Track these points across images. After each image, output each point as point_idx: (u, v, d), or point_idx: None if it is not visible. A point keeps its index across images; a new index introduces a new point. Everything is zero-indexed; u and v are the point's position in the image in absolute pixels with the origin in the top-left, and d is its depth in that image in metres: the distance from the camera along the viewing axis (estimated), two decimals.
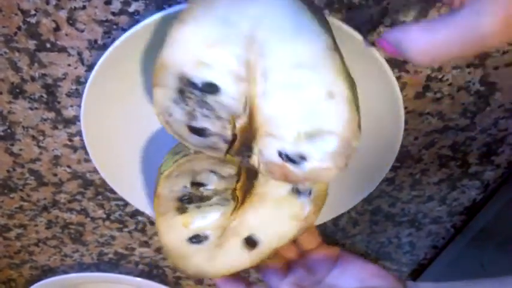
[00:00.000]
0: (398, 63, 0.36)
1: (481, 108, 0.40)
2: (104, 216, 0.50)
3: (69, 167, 0.44)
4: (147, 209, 0.42)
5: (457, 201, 0.49)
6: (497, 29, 0.18)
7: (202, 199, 0.33)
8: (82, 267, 0.58)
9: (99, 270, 0.58)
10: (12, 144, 0.42)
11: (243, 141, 0.29)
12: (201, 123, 0.29)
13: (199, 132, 0.29)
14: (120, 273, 0.57)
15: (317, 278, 0.34)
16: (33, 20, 0.33)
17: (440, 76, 0.37)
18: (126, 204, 0.48)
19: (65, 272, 0.59)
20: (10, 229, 0.52)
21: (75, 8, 0.32)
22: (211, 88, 0.27)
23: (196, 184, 0.33)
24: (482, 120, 0.41)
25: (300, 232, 0.34)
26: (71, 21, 0.33)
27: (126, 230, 0.52)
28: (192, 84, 0.27)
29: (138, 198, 0.41)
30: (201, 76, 0.27)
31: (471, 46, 0.19)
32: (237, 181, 0.33)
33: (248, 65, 0.26)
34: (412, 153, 0.44)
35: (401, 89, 0.38)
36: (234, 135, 0.29)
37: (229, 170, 0.32)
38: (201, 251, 0.35)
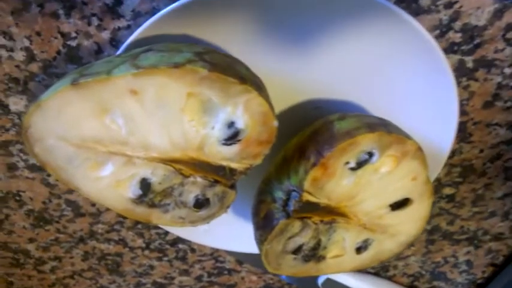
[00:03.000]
0: (467, 71, 0.33)
1: None
2: (143, 245, 0.47)
3: None
4: (188, 236, 0.39)
5: None
6: None
7: (316, 249, 0.33)
8: None
9: None
10: (48, 175, 0.39)
11: (208, 171, 0.29)
12: (189, 199, 0.30)
13: (200, 204, 0.30)
14: None
15: None
16: (73, 43, 0.31)
17: None
18: (167, 232, 0.45)
19: None
20: (45, 262, 0.49)
21: (119, 28, 0.30)
22: (145, 185, 0.28)
23: (298, 250, 0.32)
24: None
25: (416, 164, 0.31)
26: (114, 42, 0.31)
27: (165, 258, 0.49)
28: (142, 196, 0.29)
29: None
30: (134, 188, 0.28)
31: None
32: (309, 217, 0.31)
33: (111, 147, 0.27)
34: (476, 167, 0.40)
35: (468, 99, 0.35)
36: (204, 176, 0.29)
37: (300, 224, 0.31)
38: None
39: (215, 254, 0.49)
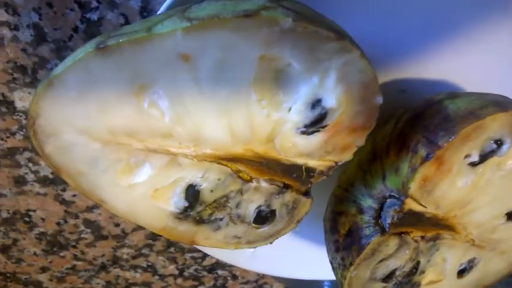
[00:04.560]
0: None
1: None
2: (176, 272, 0.41)
3: None
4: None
5: None
6: None
7: (412, 275, 0.26)
8: None
9: None
10: (63, 190, 0.33)
11: (277, 172, 0.22)
12: (248, 211, 0.24)
13: (263, 218, 0.24)
14: None
15: None
16: (94, 16, 0.24)
17: None
18: (205, 256, 0.39)
19: None
20: None
21: None
22: (192, 195, 0.22)
23: (390, 276, 0.25)
24: None
25: None
26: (146, 12, 0.24)
27: (201, 287, 0.42)
28: (187, 210, 0.22)
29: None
30: (177, 199, 0.22)
31: None
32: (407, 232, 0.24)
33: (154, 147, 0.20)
34: None
35: None
36: (271, 179, 0.23)
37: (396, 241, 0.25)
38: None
39: (260, 281, 0.43)
